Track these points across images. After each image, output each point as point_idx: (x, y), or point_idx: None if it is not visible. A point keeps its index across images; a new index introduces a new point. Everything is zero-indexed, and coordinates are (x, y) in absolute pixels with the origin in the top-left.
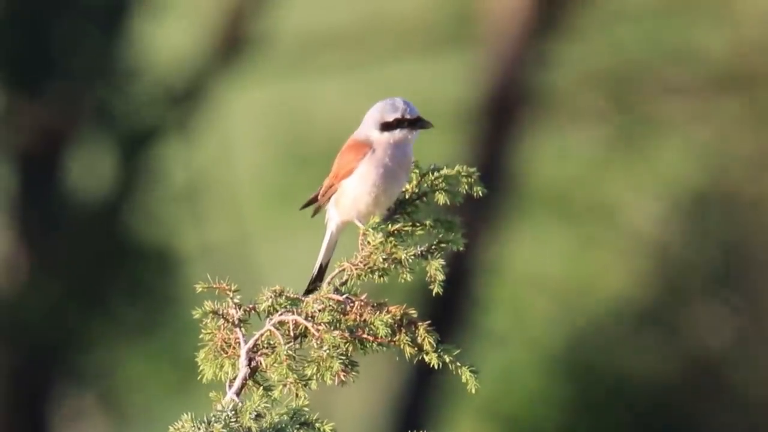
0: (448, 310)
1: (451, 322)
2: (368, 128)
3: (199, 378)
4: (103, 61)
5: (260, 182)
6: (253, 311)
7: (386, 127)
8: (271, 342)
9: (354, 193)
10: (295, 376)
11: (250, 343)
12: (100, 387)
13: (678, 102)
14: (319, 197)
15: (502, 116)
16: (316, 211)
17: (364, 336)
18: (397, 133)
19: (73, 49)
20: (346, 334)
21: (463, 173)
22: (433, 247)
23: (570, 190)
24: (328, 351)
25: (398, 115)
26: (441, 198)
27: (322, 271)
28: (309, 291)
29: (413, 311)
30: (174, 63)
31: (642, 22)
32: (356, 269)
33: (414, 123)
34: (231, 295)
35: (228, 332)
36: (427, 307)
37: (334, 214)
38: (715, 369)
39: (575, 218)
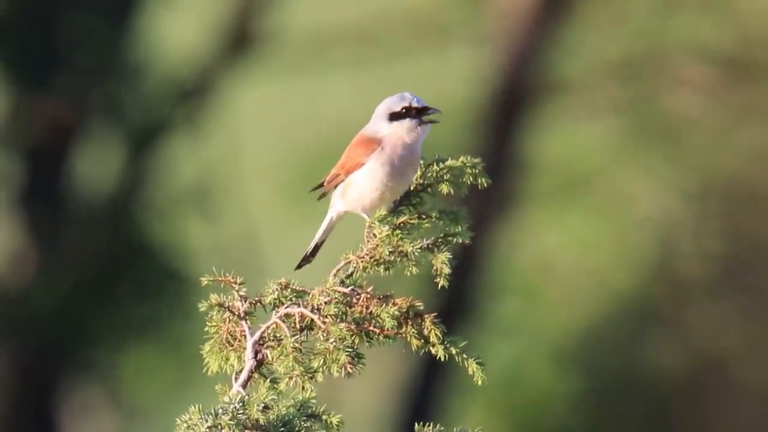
0: (456, 301)
1: (460, 313)
2: (378, 121)
3: (204, 371)
4: (111, 56)
5: (268, 178)
6: (258, 304)
7: (395, 117)
8: (277, 334)
9: (360, 188)
10: (301, 368)
11: (257, 335)
12: (108, 381)
13: (690, 94)
14: (325, 184)
15: (514, 107)
16: (321, 196)
17: (371, 328)
18: (406, 123)
19: (81, 45)
20: (353, 327)
21: (467, 164)
22: (439, 240)
23: (581, 182)
24: (334, 343)
25: (406, 104)
26: (445, 188)
27: (316, 249)
28: (300, 266)
29: (419, 303)
30: (183, 58)
31: (652, 14)
32: (362, 262)
33: (421, 111)
34: (236, 287)
35: (234, 325)
36: (434, 298)
37: (339, 203)
38: (724, 364)
39: (585, 208)
